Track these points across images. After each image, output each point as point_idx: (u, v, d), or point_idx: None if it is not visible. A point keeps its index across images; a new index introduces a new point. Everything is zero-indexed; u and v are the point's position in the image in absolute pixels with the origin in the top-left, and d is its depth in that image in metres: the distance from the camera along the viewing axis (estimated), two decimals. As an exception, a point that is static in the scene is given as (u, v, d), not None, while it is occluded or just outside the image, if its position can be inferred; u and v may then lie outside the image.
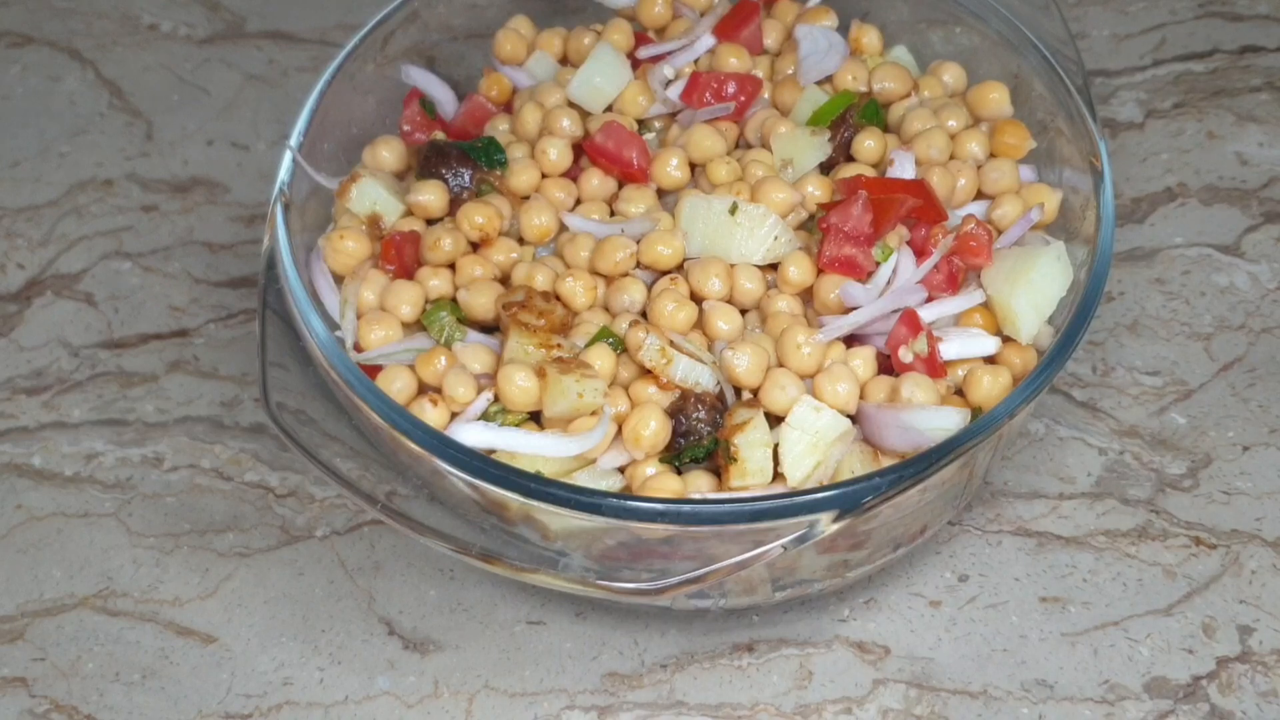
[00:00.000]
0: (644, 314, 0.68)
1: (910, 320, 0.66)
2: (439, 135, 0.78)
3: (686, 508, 0.60)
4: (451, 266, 0.72)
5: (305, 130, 0.74)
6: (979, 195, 0.74)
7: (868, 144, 0.74)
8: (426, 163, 0.75)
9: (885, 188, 0.70)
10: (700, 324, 0.68)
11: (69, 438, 0.82)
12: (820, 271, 0.69)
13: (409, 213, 0.74)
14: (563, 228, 0.73)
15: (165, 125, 0.98)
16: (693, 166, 0.75)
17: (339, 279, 0.72)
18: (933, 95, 0.78)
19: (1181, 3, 1.01)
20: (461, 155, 0.74)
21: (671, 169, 0.73)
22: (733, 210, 0.69)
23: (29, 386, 0.84)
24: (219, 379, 0.84)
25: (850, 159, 0.74)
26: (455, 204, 0.74)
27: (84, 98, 1.00)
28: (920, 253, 0.69)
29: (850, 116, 0.75)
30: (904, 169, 0.72)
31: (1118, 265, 0.86)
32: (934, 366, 0.66)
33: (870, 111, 0.75)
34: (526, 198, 0.74)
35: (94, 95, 1.00)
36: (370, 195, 0.73)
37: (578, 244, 0.71)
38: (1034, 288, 0.67)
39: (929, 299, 0.68)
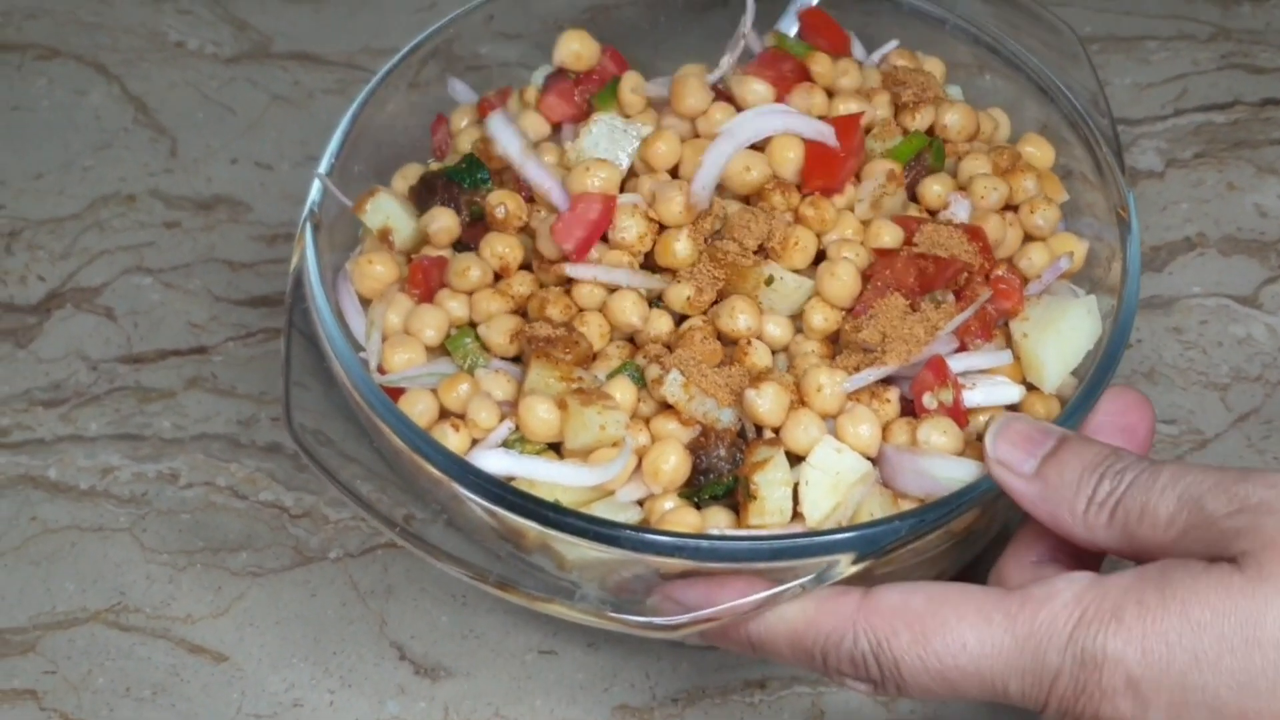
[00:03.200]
0: (668, 348, 0.68)
1: (938, 368, 0.66)
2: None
3: (705, 543, 0.60)
4: (472, 294, 0.72)
5: (337, 154, 0.74)
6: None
7: (935, 189, 0.74)
8: (420, 198, 0.74)
9: (939, 237, 0.69)
10: (724, 361, 0.68)
11: (85, 451, 0.82)
12: (855, 313, 0.68)
13: (426, 240, 0.74)
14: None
15: (189, 142, 0.98)
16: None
17: (365, 301, 0.72)
18: (985, 139, 0.78)
19: (1204, 54, 1.02)
20: (447, 182, 0.74)
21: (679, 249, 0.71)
22: (768, 281, 0.69)
23: (46, 399, 0.84)
24: (237, 397, 0.84)
25: (913, 199, 0.75)
26: (474, 227, 0.73)
27: (109, 112, 1.00)
28: (960, 298, 0.69)
29: (925, 159, 0.74)
30: (960, 214, 0.72)
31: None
32: (958, 415, 0.66)
33: (938, 154, 0.75)
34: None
35: (119, 110, 1.01)
36: (384, 209, 0.73)
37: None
38: (1063, 338, 0.68)
39: (960, 346, 0.68)
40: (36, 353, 0.86)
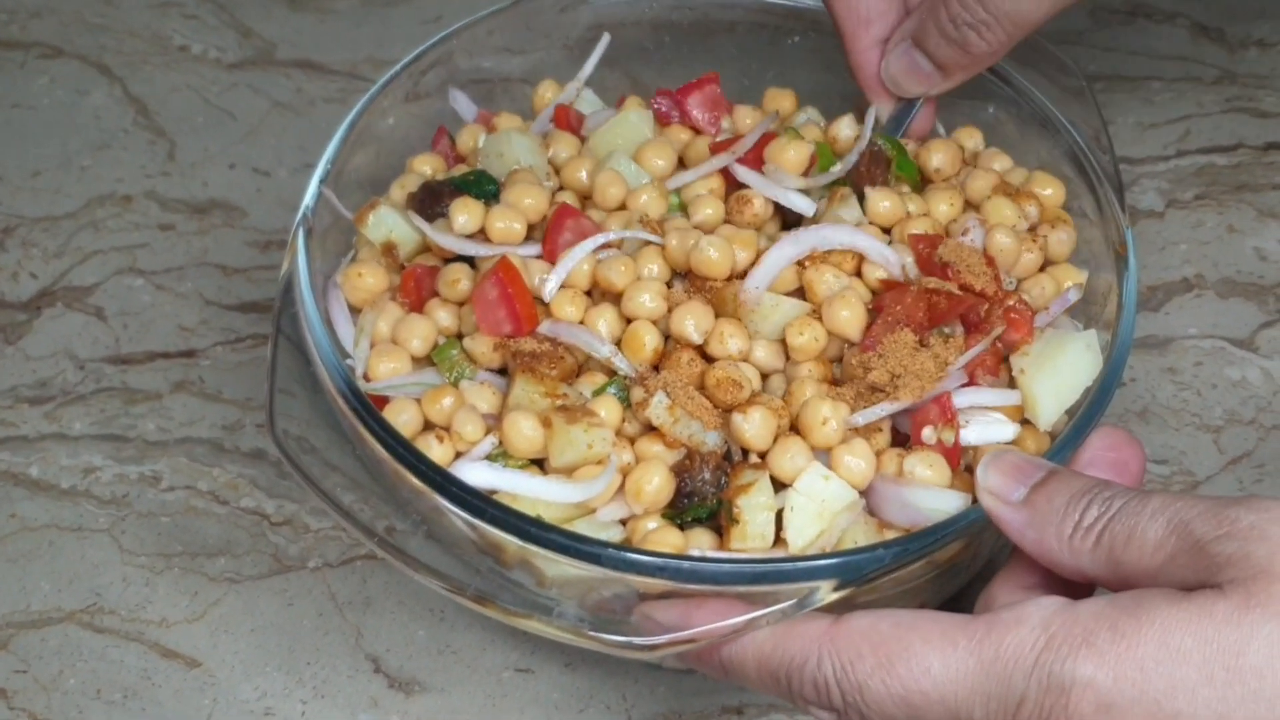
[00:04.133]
0: (655, 368, 0.68)
1: (945, 406, 0.65)
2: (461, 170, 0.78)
3: (686, 564, 0.59)
4: (462, 305, 0.71)
5: (333, 160, 0.73)
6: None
7: (942, 208, 0.73)
8: (422, 205, 0.73)
9: (962, 255, 0.69)
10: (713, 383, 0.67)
11: (68, 450, 0.81)
12: (863, 348, 0.67)
13: (427, 249, 0.73)
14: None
15: (188, 146, 0.98)
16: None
17: (355, 310, 0.72)
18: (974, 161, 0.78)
19: (1208, 96, 1.01)
20: (454, 192, 0.73)
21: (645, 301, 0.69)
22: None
23: (32, 396, 0.84)
24: (223, 402, 0.84)
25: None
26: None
27: (109, 113, 1.00)
28: (972, 329, 0.68)
29: (862, 162, 0.75)
30: (975, 240, 0.71)
31: (1130, 352, 0.85)
32: (952, 454, 0.65)
33: (906, 166, 0.75)
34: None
35: (120, 111, 1.00)
36: (387, 223, 0.73)
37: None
38: (1060, 376, 0.67)
39: (969, 380, 0.67)
40: (24, 350, 0.86)
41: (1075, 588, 0.57)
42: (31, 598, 0.75)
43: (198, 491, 0.80)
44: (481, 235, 0.71)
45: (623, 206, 0.73)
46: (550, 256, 0.70)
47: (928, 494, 0.63)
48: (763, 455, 0.65)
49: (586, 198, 0.75)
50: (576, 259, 0.69)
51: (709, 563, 0.60)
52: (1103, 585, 0.55)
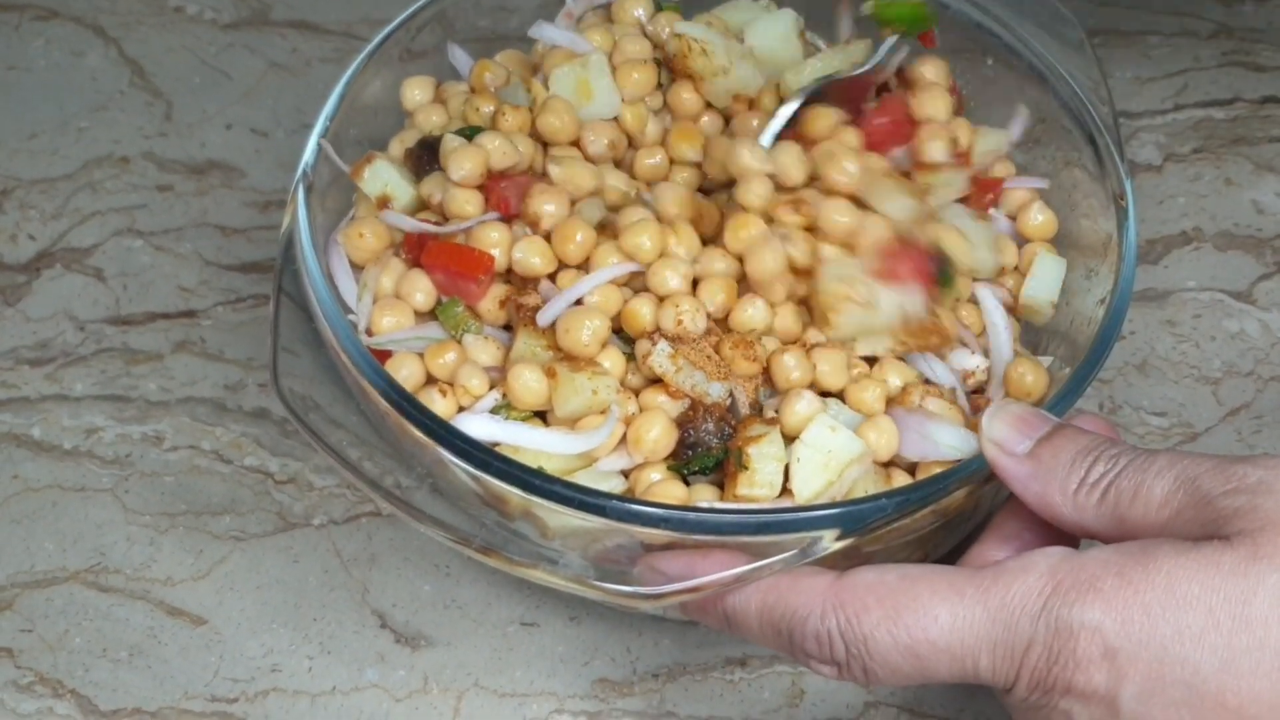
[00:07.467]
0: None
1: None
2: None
3: (690, 515, 0.59)
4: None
5: (332, 116, 0.73)
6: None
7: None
8: (419, 161, 0.73)
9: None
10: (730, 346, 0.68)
11: (70, 411, 0.81)
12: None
13: (424, 204, 0.73)
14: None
15: (185, 107, 0.98)
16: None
17: (356, 267, 0.72)
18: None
19: (1205, 50, 1.01)
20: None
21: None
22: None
23: (33, 358, 0.84)
24: (224, 362, 0.84)
25: None
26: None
27: (106, 75, 1.00)
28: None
29: None
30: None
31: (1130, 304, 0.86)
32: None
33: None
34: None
35: (116, 73, 1.00)
36: (383, 176, 0.73)
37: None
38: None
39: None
40: (24, 311, 0.86)
41: (1065, 541, 0.57)
42: (36, 558, 0.76)
43: (201, 451, 0.80)
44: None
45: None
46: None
47: (946, 430, 0.64)
48: (777, 412, 0.65)
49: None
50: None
51: (712, 513, 0.61)
52: (1105, 542, 0.55)
